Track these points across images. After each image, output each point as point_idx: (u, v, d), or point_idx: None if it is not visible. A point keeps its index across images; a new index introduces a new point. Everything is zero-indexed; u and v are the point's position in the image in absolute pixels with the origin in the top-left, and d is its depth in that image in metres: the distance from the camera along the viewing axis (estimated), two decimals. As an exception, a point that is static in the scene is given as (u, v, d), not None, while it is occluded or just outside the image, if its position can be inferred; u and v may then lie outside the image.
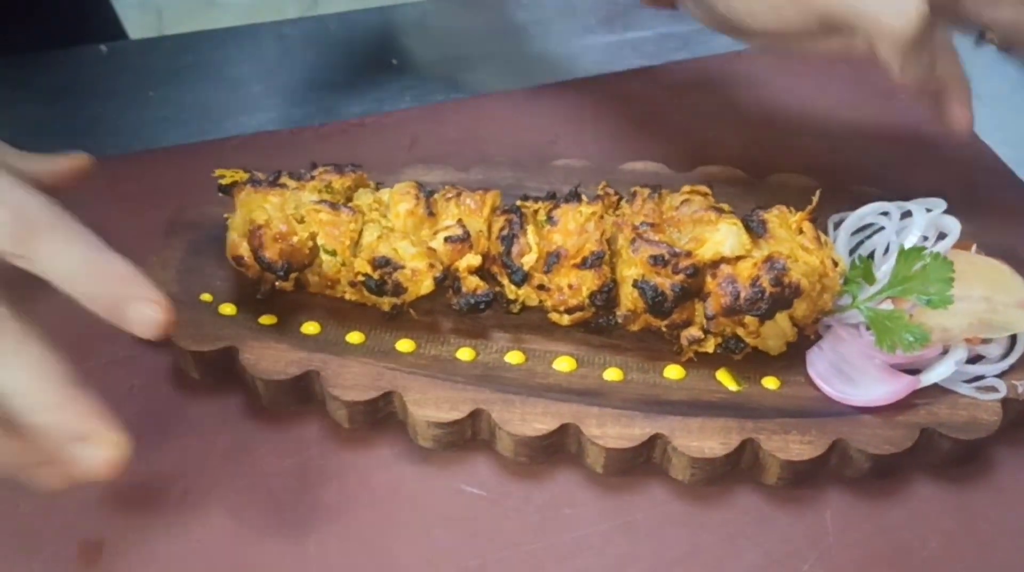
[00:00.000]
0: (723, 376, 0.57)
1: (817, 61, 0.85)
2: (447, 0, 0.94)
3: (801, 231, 0.57)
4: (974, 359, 0.57)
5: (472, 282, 0.58)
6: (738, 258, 0.55)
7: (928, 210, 0.62)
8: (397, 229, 0.59)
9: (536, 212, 0.60)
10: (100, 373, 0.59)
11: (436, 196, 0.61)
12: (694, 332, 0.56)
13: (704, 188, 0.60)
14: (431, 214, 0.60)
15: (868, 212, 0.64)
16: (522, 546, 0.52)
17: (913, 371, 0.56)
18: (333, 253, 0.58)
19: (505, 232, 0.59)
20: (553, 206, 0.59)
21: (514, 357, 0.58)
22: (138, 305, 0.45)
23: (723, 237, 0.55)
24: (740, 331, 0.56)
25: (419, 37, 0.90)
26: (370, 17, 0.92)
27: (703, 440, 0.53)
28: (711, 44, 0.89)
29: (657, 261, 0.55)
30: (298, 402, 0.58)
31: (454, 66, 0.87)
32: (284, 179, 0.60)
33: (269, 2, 1.93)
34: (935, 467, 0.56)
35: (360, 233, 0.59)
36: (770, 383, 0.57)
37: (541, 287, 0.58)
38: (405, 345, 0.58)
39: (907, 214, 0.63)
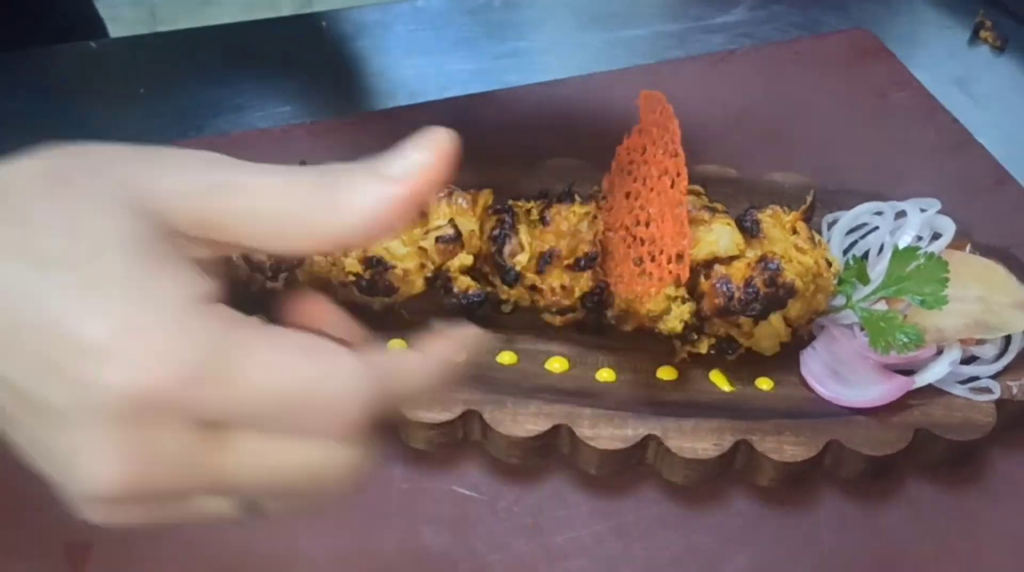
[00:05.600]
0: (716, 377, 0.57)
1: (810, 60, 0.85)
2: (440, -2, 0.93)
3: (795, 231, 0.57)
4: (968, 360, 0.57)
5: (464, 282, 0.57)
6: (732, 258, 0.54)
7: (922, 210, 0.62)
8: (388, 228, 0.59)
9: (528, 211, 0.60)
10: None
11: (428, 195, 0.60)
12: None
13: (697, 188, 0.60)
14: (422, 213, 0.59)
15: (862, 212, 0.64)
16: (514, 547, 0.52)
17: (907, 372, 0.56)
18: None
19: (496, 232, 0.58)
20: (546, 206, 0.59)
21: (506, 357, 0.57)
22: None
23: (717, 237, 0.55)
24: (734, 332, 0.56)
25: (412, 35, 0.89)
26: (363, 14, 0.91)
27: (696, 441, 0.53)
28: (705, 43, 0.88)
29: (650, 261, 0.54)
30: (288, 403, 0.57)
31: (447, 63, 0.86)
32: (274, 178, 0.60)
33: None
34: (929, 468, 0.56)
35: (351, 232, 0.58)
36: (764, 384, 0.57)
37: (533, 288, 0.57)
38: (396, 346, 0.58)
39: (901, 214, 0.63)
